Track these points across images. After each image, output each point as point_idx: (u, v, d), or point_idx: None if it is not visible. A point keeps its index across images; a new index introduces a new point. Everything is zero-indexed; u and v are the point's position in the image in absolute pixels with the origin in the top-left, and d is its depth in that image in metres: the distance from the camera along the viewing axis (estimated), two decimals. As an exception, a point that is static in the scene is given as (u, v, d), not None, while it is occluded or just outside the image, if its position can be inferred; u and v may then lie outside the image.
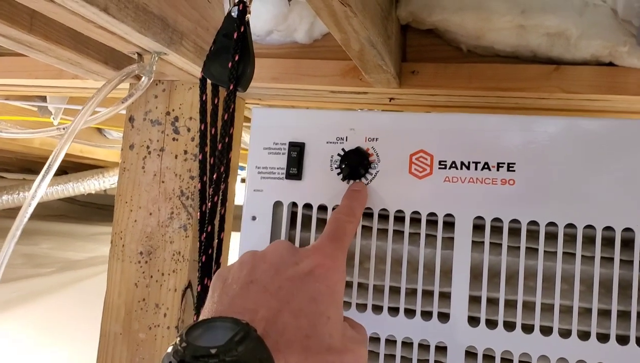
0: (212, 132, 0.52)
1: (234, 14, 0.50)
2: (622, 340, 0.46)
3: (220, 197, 0.51)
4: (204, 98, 0.52)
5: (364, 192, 0.50)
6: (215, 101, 0.52)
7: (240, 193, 0.74)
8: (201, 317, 0.38)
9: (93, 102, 0.65)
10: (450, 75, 0.71)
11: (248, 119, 0.82)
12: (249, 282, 0.40)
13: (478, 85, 0.70)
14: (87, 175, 1.64)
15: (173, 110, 0.78)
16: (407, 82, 0.72)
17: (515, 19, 0.66)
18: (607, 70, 0.67)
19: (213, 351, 0.32)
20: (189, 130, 0.78)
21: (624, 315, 0.47)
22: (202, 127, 0.52)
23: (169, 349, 0.33)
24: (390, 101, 0.78)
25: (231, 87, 0.49)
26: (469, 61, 0.71)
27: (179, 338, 0.33)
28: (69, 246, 1.78)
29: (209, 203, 0.51)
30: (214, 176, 0.50)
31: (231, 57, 0.50)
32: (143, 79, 0.71)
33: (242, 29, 0.49)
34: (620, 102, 0.69)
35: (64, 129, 0.72)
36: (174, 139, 0.78)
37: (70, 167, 1.89)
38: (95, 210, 2.00)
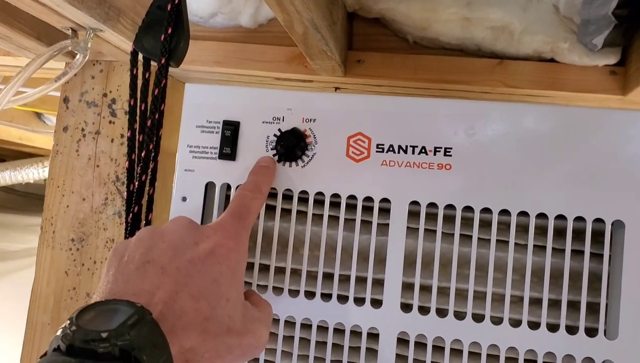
0: (142, 108, 0.50)
1: (169, -16, 0.48)
2: (553, 328, 0.46)
3: (148, 176, 0.49)
4: (134, 72, 0.50)
5: (272, 167, 0.49)
6: (147, 76, 0.50)
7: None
8: (95, 298, 0.36)
9: (19, 79, 0.61)
10: (396, 66, 0.70)
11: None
12: (146, 262, 0.38)
13: (423, 77, 0.70)
14: (25, 164, 1.57)
15: (110, 91, 0.75)
16: (353, 71, 0.71)
17: (461, 11, 0.66)
18: (548, 66, 0.68)
19: (104, 335, 0.30)
20: (126, 113, 0.75)
21: (555, 304, 0.47)
22: (132, 103, 0.50)
23: (58, 332, 0.31)
24: (335, 90, 0.77)
25: (163, 61, 0.47)
26: (415, 52, 0.71)
27: (68, 322, 0.31)
28: (3, 237, 1.69)
29: (137, 183, 0.48)
30: (143, 154, 0.48)
31: (164, 29, 0.47)
32: (78, 56, 0.68)
33: (176, 1, 0.47)
34: (559, 99, 0.70)
35: (-10, 107, 0.68)
36: (110, 122, 0.75)
37: (9, 155, 1.81)
38: (35, 200, 1.92)
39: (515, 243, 0.47)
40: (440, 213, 0.48)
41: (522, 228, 0.47)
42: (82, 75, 0.76)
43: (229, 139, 0.50)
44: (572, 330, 0.46)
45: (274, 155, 0.50)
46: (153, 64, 0.50)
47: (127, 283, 0.36)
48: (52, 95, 0.86)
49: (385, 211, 0.49)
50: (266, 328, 0.43)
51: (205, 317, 0.37)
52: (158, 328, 0.33)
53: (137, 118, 0.50)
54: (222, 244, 0.40)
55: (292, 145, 0.49)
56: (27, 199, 1.94)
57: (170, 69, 0.50)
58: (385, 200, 0.49)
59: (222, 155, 0.50)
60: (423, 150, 0.48)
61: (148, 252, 0.38)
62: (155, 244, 0.39)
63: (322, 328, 0.49)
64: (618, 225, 0.46)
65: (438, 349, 0.47)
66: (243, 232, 0.43)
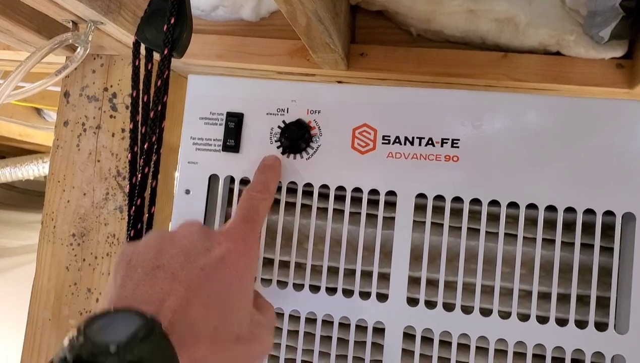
0: (145, 100, 0.49)
1: (171, -26, 0.47)
2: (562, 322, 0.45)
3: (151, 169, 0.48)
4: (137, 63, 0.49)
5: (277, 166, 0.48)
6: (149, 67, 0.49)
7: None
8: (102, 303, 0.35)
9: (19, 72, 0.60)
10: (400, 59, 0.70)
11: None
12: (155, 267, 0.36)
13: (427, 70, 0.69)
14: (25, 160, 1.56)
15: (111, 86, 0.75)
16: (356, 64, 0.70)
17: (466, 2, 0.65)
18: (554, 59, 0.67)
19: (112, 349, 0.29)
20: (127, 107, 0.74)
21: (564, 298, 0.46)
22: (134, 95, 0.49)
23: (65, 341, 0.30)
24: (338, 84, 0.76)
25: (165, 52, 0.47)
26: (418, 45, 0.70)
27: (76, 332, 0.30)
28: (3, 233, 1.69)
29: (139, 175, 0.48)
30: (145, 146, 0.47)
31: (167, 20, 0.47)
32: (78, 50, 0.67)
33: (179, -10, 0.47)
34: (565, 92, 0.69)
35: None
36: (111, 116, 0.74)
37: (9, 152, 1.80)
38: (35, 197, 1.91)
39: (524, 237, 0.46)
40: (447, 206, 0.47)
41: (531, 221, 0.47)
42: (82, 69, 0.76)
43: (233, 130, 0.49)
44: (581, 324, 0.45)
45: (278, 147, 0.49)
46: (155, 56, 0.49)
47: (135, 289, 0.35)
48: (52, 91, 0.86)
49: (391, 204, 0.48)
50: (271, 333, 0.42)
51: (215, 326, 0.36)
52: (168, 341, 0.32)
53: (140, 110, 0.49)
54: (232, 250, 0.39)
55: (296, 137, 0.48)
56: (27, 196, 1.94)
57: (172, 63, 0.49)
58: (391, 193, 0.48)
59: (226, 148, 0.49)
60: (430, 142, 0.47)
61: (158, 256, 0.37)
62: (165, 249, 0.38)
63: (327, 323, 0.49)
64: (628, 218, 0.45)
65: (445, 344, 0.47)
66: (253, 235, 0.43)
